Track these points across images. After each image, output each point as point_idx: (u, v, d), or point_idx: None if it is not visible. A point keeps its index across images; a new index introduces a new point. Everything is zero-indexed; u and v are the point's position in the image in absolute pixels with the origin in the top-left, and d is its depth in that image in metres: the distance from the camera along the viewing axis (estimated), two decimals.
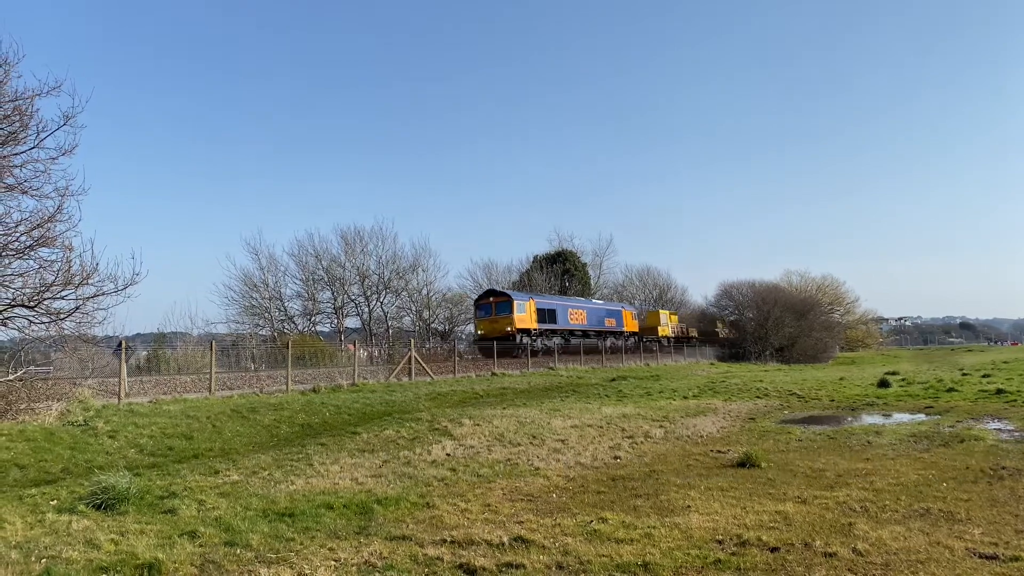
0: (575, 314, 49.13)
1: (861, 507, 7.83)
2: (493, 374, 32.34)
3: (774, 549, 6.29)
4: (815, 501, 8.19)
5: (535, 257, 68.54)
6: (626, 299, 77.99)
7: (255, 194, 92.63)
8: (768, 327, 67.99)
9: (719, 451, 12.18)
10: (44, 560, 6.19)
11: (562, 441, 13.51)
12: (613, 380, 31.43)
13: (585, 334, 49.53)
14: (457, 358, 32.55)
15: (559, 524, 7.39)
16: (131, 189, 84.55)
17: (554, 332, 45.94)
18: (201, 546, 6.68)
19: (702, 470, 10.51)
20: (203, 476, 10.25)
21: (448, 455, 12.09)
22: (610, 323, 53.51)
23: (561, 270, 66.10)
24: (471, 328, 60.85)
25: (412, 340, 32.99)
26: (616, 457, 11.84)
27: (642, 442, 13.49)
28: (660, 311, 64.44)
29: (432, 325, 57.11)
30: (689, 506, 8.08)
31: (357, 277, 54.37)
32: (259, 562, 6.21)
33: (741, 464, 10.63)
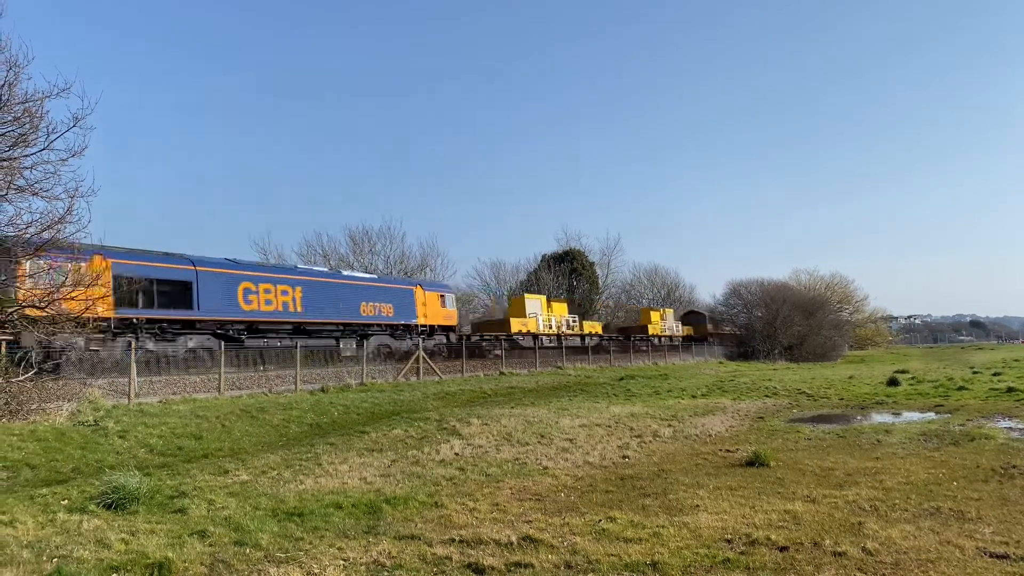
0: (262, 291, 27.30)
1: (871, 506, 7.80)
2: (501, 373, 32.37)
3: (783, 548, 6.27)
4: (824, 500, 8.16)
5: (543, 256, 68.61)
6: (634, 298, 77.73)
7: (264, 193, 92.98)
8: (777, 326, 67.76)
9: (728, 450, 12.16)
10: (55, 559, 6.23)
11: (570, 440, 13.51)
12: (621, 379, 31.40)
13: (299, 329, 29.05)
14: (464, 357, 32.57)
15: (567, 523, 7.39)
16: (139, 188, 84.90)
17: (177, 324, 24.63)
18: (211, 545, 6.71)
19: (711, 469, 10.49)
20: (213, 476, 10.29)
21: (456, 454, 12.10)
22: (385, 311, 33.51)
23: (569, 269, 66.13)
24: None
25: (420, 339, 33.00)
26: (625, 456, 11.83)
27: (651, 441, 13.48)
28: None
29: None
30: (698, 505, 8.07)
31: None
32: (268, 561, 6.23)
33: (750, 463, 10.61)
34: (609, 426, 15.44)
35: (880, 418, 16.66)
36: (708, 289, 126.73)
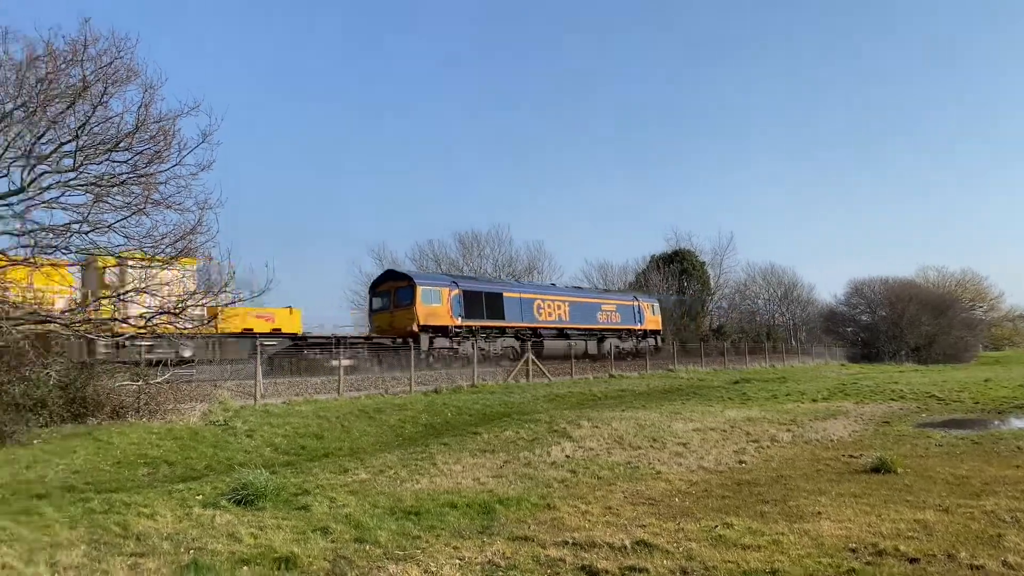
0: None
1: (1011, 517, 7.29)
2: (611, 376, 32.14)
3: (913, 560, 5.94)
4: (958, 510, 7.68)
5: (652, 257, 67.60)
6: (748, 298, 75.52)
7: (380, 205, 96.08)
8: (903, 326, 64.39)
9: (851, 456, 11.63)
10: (192, 551, 6.61)
11: (683, 444, 13.25)
12: (736, 383, 30.58)
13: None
14: (573, 359, 32.52)
15: (682, 528, 7.25)
16: (263, 198, 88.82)
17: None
18: (333, 542, 6.95)
19: (833, 475, 10.06)
20: (333, 474, 10.66)
21: (567, 456, 12.09)
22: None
23: (679, 269, 64.83)
24: None
25: (529, 342, 33.20)
26: (741, 461, 11.51)
27: (768, 446, 13.06)
28: None
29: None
30: (819, 512, 7.75)
31: None
32: (387, 559, 6.40)
33: (875, 470, 10.11)
34: (724, 430, 15.06)
35: (1021, 423, 15.54)
36: (828, 288, 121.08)
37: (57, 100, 13.37)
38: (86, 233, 14.40)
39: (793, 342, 58.15)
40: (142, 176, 14.42)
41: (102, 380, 15.06)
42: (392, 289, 31.30)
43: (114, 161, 14.24)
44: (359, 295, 51.85)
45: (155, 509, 8.27)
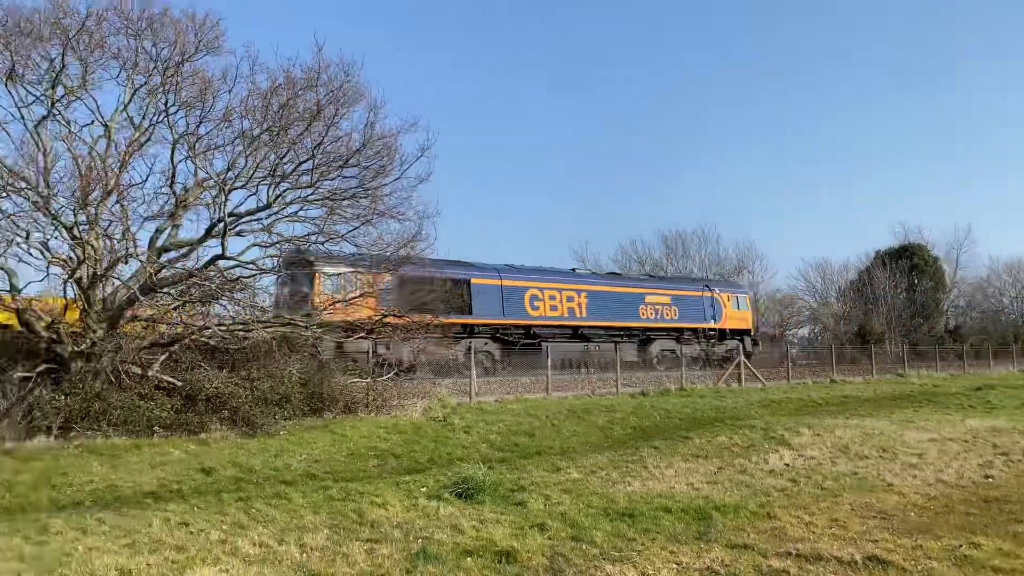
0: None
1: None
2: (832, 381, 30.21)
3: None
4: None
5: (876, 252, 62.69)
6: (991, 296, 67.84)
7: (582, 207, 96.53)
8: None
9: None
10: (420, 540, 7.04)
11: (918, 456, 12.21)
12: (978, 389, 27.65)
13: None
14: (790, 363, 30.93)
15: (920, 546, 6.70)
16: (473, 205, 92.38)
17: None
18: (550, 539, 7.13)
19: None
20: (546, 472, 10.90)
21: (786, 465, 11.55)
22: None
23: (908, 266, 59.58)
24: (804, 332, 57.50)
25: (740, 345, 32.03)
26: (987, 476, 10.43)
27: (1020, 460, 11.72)
28: None
29: (760, 329, 55.04)
30: None
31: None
32: (604, 559, 6.46)
33: None
34: (965, 441, 13.69)
35: None
36: None
37: (296, 123, 14.77)
38: (322, 243, 15.83)
39: None
40: (368, 190, 15.62)
41: (336, 377, 16.42)
42: (292, 274, 22.38)
43: (344, 177, 15.55)
44: None
45: (386, 499, 8.89)
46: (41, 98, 14.14)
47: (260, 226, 15.40)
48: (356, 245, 16.16)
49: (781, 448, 13.06)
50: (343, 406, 15.89)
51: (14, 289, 13.86)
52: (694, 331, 32.90)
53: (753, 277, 55.40)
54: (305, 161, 14.85)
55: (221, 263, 15.04)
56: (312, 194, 15.35)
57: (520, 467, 11.46)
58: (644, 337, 30.98)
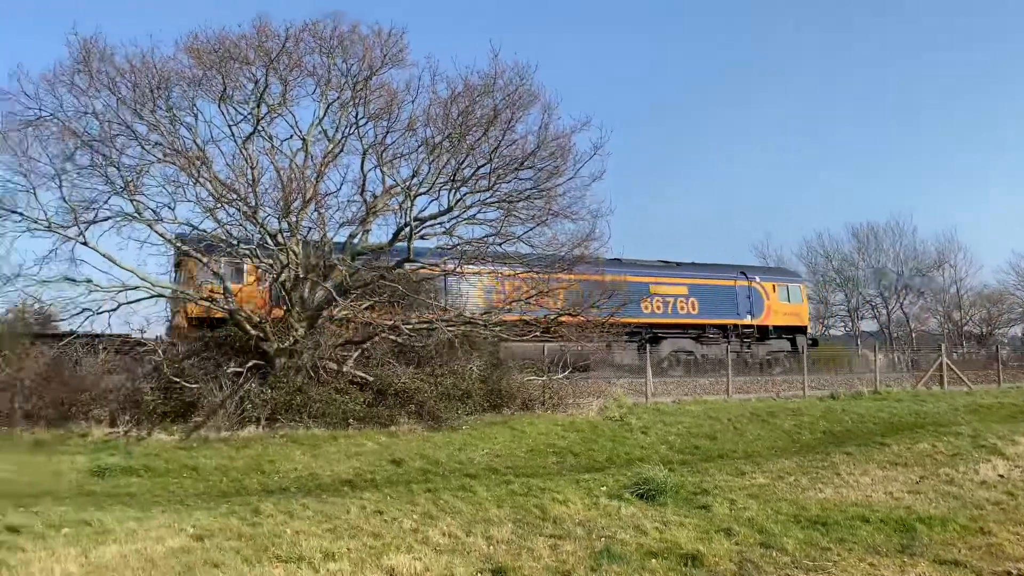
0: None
1: None
2: None
3: None
4: None
5: None
6: None
7: (762, 199, 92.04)
8: None
9: None
10: (603, 539, 7.05)
11: None
12: None
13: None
14: (1000, 365, 28.12)
15: None
16: (643, 201, 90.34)
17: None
18: (737, 544, 6.91)
19: None
20: (730, 476, 10.59)
21: (1001, 476, 10.56)
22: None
23: None
24: (1016, 331, 52.06)
25: (942, 345, 29.53)
26: None
27: None
28: None
29: (965, 328, 50.46)
30: None
31: (873, 277, 50.88)
32: (796, 568, 6.20)
33: None
34: None
35: None
36: None
37: (474, 129, 15.23)
38: (499, 244, 16.22)
39: None
40: (543, 190, 15.81)
41: (513, 375, 16.78)
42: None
43: (520, 179, 15.81)
44: None
45: (566, 496, 8.98)
46: (248, 116, 15.49)
47: (442, 229, 16.03)
48: (531, 245, 16.43)
49: (993, 457, 11.94)
50: (520, 403, 16.21)
51: (227, 292, 15.26)
52: (722, 328, 27.78)
53: (955, 272, 50.83)
54: (483, 165, 15.26)
55: (407, 265, 15.82)
56: (489, 197, 15.76)
57: (702, 470, 11.20)
58: (650, 335, 25.58)
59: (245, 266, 17.80)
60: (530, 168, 15.65)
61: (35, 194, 14.14)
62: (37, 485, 9.88)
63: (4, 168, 14.20)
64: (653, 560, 6.39)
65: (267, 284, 17.26)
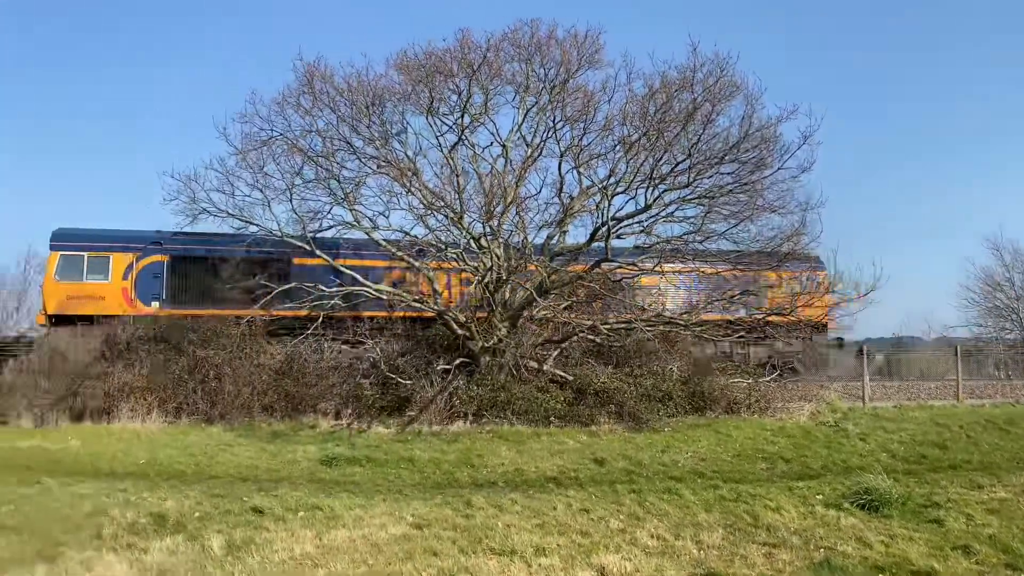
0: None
1: None
2: None
3: None
4: None
5: None
6: None
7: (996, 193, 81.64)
8: None
9: None
10: (822, 550, 6.67)
11: None
12: None
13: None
14: None
15: None
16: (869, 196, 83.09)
17: None
18: (977, 563, 6.31)
19: None
20: (964, 489, 9.64)
21: None
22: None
23: None
24: None
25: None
26: None
27: None
28: None
29: None
30: None
31: None
32: None
33: None
34: None
35: None
36: None
37: (672, 125, 14.91)
38: (700, 242, 15.80)
39: None
40: (746, 184, 15.14)
41: (716, 377, 16.28)
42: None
43: (721, 173, 15.23)
44: (973, 291, 45.66)
45: (779, 503, 8.58)
46: (452, 127, 16.23)
47: (639, 228, 15.88)
48: (734, 242, 15.86)
49: None
50: (725, 406, 15.69)
51: (436, 293, 16.04)
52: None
53: None
54: (682, 161, 14.86)
55: (604, 264, 15.82)
56: (689, 193, 15.38)
57: (931, 481, 10.29)
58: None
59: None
60: (732, 162, 15.03)
61: (269, 206, 15.75)
62: (275, 472, 10.92)
63: (245, 184, 15.91)
64: (880, 575, 5.96)
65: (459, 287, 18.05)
